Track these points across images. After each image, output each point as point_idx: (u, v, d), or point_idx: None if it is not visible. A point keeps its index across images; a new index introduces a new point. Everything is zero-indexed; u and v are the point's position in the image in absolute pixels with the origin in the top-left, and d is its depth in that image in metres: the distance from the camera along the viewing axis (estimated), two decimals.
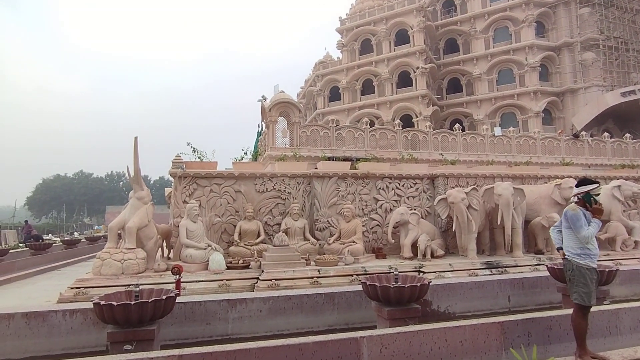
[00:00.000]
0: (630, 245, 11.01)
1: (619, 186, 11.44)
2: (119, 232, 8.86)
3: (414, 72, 29.56)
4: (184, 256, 8.80)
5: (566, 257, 4.26)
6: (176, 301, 4.65)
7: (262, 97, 16.31)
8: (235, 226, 10.00)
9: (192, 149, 11.07)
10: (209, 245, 9.10)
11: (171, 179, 10.19)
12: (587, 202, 4.02)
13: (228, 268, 8.69)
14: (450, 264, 9.20)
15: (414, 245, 9.79)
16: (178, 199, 9.91)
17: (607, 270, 6.00)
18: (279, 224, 10.21)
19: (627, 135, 19.42)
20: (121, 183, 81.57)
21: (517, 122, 29.01)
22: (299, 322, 5.67)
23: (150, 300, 4.05)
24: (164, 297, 4.19)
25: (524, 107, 28.79)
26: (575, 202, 4.18)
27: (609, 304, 5.80)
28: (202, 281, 8.05)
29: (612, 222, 11.10)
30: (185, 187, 9.95)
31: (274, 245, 8.90)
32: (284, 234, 9.31)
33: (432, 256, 9.73)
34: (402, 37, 31.21)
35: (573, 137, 18.98)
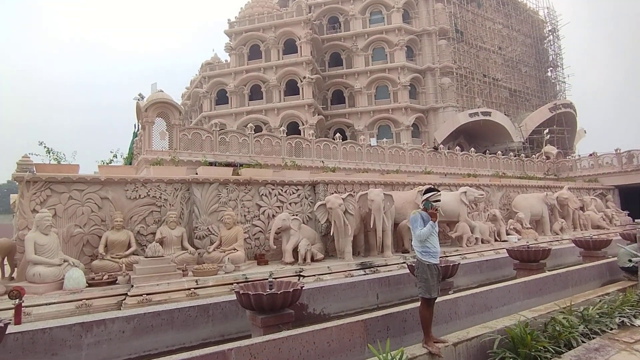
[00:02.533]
0: (472, 242, 13.14)
1: (465, 192, 13.57)
2: None
3: (301, 81, 30.59)
4: (30, 275, 7.47)
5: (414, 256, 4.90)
6: (9, 331, 3.91)
7: (139, 95, 14.93)
8: (100, 237, 8.91)
9: (46, 149, 9.56)
10: (65, 261, 7.92)
11: None
12: (426, 207, 4.66)
13: (90, 285, 7.68)
14: (328, 267, 9.70)
15: (296, 250, 10.06)
16: (25, 207, 8.40)
17: (451, 264, 7.06)
18: (154, 234, 9.45)
19: (472, 149, 23.26)
20: None
21: (392, 134, 32.25)
22: (169, 339, 5.30)
23: None
24: None
25: (397, 120, 32.19)
26: (422, 209, 4.83)
27: (452, 293, 6.83)
28: (54, 303, 6.94)
29: (459, 223, 13.11)
30: (35, 193, 8.50)
31: (146, 257, 8.18)
32: (158, 243, 8.65)
33: (313, 260, 10.13)
34: (290, 47, 32.02)
35: (434, 149, 21.94)
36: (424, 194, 4.83)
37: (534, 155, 27.68)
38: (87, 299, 7.18)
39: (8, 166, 8.69)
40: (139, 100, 13.65)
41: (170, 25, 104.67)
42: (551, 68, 42.04)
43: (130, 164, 14.66)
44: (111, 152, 11.50)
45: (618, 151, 24.40)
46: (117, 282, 7.95)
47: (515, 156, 25.45)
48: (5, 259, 8.66)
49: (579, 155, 29.49)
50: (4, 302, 6.51)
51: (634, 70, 78.11)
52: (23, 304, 5.76)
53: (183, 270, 8.48)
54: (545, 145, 30.27)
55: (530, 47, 41.16)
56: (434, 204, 4.63)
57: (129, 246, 9.04)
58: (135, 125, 16.33)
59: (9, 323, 3.95)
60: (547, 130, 31.72)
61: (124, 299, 7.36)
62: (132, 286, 7.59)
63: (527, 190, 18.51)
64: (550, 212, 17.11)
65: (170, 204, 9.84)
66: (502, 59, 37.58)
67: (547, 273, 8.10)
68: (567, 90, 41.07)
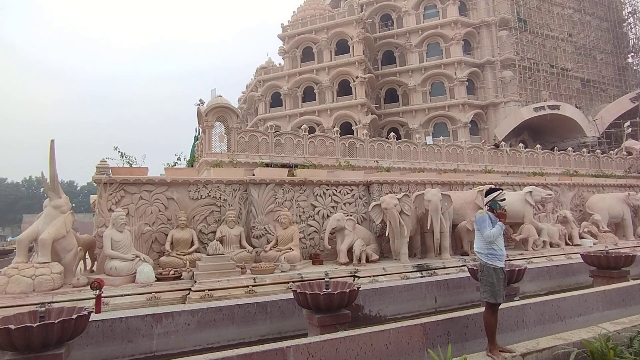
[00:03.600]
0: (539, 245, 12.22)
1: (530, 192, 12.66)
2: (31, 245, 8.04)
3: (354, 81, 30.45)
4: (108, 269, 8.19)
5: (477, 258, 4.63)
6: (92, 319, 4.30)
7: (199, 100, 15.79)
8: (167, 235, 9.53)
9: (120, 153, 10.42)
10: (137, 256, 8.58)
11: None
12: (494, 207, 4.39)
13: (158, 280, 8.25)
14: (384, 268, 9.54)
15: (350, 251, 10.02)
16: (103, 207, 9.23)
17: (516, 269, 6.60)
18: (214, 232, 9.93)
19: (538, 146, 21.63)
20: (41, 189, 73.96)
21: (448, 132, 31.01)
22: (229, 334, 5.51)
23: (57, 321, 3.68)
24: (74, 317, 3.83)
25: (454, 117, 30.88)
26: (487, 210, 4.56)
27: (519, 299, 6.38)
28: (128, 295, 7.54)
29: (524, 225, 12.26)
30: (111, 194, 9.30)
31: (207, 254, 8.61)
32: (218, 242, 9.05)
33: (367, 261, 10.02)
34: (342, 47, 32.03)
35: (494, 146, 20.72)
36: (487, 194, 4.57)
37: (612, 151, 25.06)
38: (156, 292, 7.72)
39: (93, 168, 9.56)
40: (199, 105, 14.42)
41: (218, 24, 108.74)
42: (632, 54, 37.83)
43: (192, 166, 15.51)
44: (175, 155, 12.27)
45: None
46: (181, 277, 8.45)
47: (589, 152, 23.23)
48: (87, 254, 9.57)
49: None
50: (86, 292, 7.20)
51: None
52: (102, 295, 6.31)
53: (242, 268, 8.80)
54: (626, 140, 27.24)
55: (607, 32, 37.34)
56: (500, 203, 4.38)
57: (192, 244, 9.58)
58: (196, 129, 17.27)
59: (92, 312, 4.34)
60: (627, 123, 28.62)
61: (188, 294, 7.80)
62: (195, 282, 8.02)
63: (603, 190, 16.83)
64: (634, 214, 15.39)
65: (229, 204, 10.26)
66: (573, 47, 34.51)
67: (632, 282, 7.27)
68: None
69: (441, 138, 20.08)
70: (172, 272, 8.49)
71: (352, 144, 15.79)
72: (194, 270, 8.53)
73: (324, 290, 4.99)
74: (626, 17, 38.34)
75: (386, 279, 9.08)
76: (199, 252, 9.49)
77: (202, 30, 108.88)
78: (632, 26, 37.65)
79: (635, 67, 37.77)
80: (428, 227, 10.51)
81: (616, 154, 24.19)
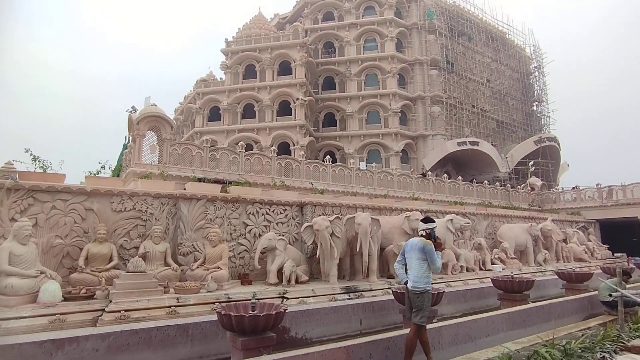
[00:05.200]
0: (457, 269, 13.17)
1: (451, 220, 13.68)
2: None
3: (294, 102, 30.95)
4: (2, 287, 7.18)
5: (414, 286, 4.94)
6: None
7: (132, 107, 14.94)
8: (81, 249, 8.67)
9: (32, 157, 9.41)
10: (42, 273, 7.66)
11: None
12: (433, 237, 4.83)
13: (66, 299, 7.42)
14: (312, 290, 9.57)
15: (280, 271, 9.94)
16: (4, 215, 8.17)
17: (436, 292, 7.05)
18: (137, 248, 9.25)
19: (460, 177, 23.63)
20: None
21: (381, 159, 32.61)
22: (144, 359, 5.13)
23: None
24: None
25: (387, 145, 32.63)
26: (423, 236, 4.94)
27: (436, 322, 6.80)
28: (25, 317, 6.66)
29: (445, 250, 13.13)
30: (15, 201, 8.29)
31: (127, 272, 7.98)
32: (140, 258, 8.45)
33: (297, 282, 10.00)
34: (285, 68, 32.55)
35: (422, 175, 22.21)
36: (424, 222, 5.00)
37: (519, 186, 28.20)
38: (61, 314, 6.93)
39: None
40: (131, 112, 13.63)
41: (159, 35, 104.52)
42: (536, 102, 43.43)
43: (118, 176, 14.49)
44: (99, 163, 11.39)
45: (599, 186, 25.05)
46: (95, 296, 7.70)
47: (501, 186, 25.89)
48: None
49: (562, 188, 30.19)
50: None
51: (614, 110, 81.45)
52: None
53: (165, 287, 8.28)
54: (530, 177, 30.91)
55: (517, 82, 42.60)
56: (435, 234, 4.97)
57: (111, 260, 8.82)
58: (125, 137, 16.24)
59: None
60: (532, 162, 32.49)
61: (101, 315, 7.13)
62: (111, 301, 7.37)
63: (512, 220, 18.76)
64: (534, 243, 17.33)
65: (156, 219, 9.69)
66: (491, 91, 38.75)
67: (531, 305, 8.14)
68: (552, 124, 42.40)
69: (374, 164, 21.03)
70: (83, 291, 7.70)
71: (289, 164, 15.91)
72: (110, 289, 7.83)
73: (250, 312, 4.89)
74: (532, 70, 44.10)
75: (315, 300, 9.11)
76: (118, 268, 8.76)
77: (151, 35, 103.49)
78: (537, 79, 43.38)
79: (538, 115, 43.27)
80: (357, 250, 10.81)
81: (522, 189, 27.25)
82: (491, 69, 39.79)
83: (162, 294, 7.96)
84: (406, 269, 5.30)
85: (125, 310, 7.12)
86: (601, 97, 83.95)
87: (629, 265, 14.70)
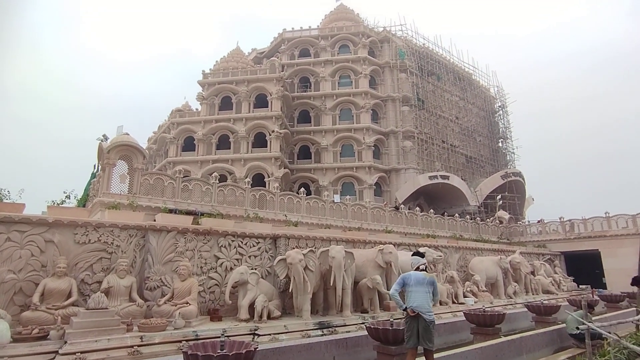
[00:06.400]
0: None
1: (424, 253, 13.82)
2: None
3: (270, 134, 31.21)
4: None
5: (422, 313, 5.60)
6: None
7: (103, 136, 14.65)
8: (37, 285, 8.13)
9: None
10: None
11: None
12: (426, 270, 5.63)
13: (16, 340, 6.86)
14: (285, 326, 9.29)
15: (252, 306, 9.63)
16: None
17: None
18: (100, 282, 8.77)
19: (432, 210, 24.12)
20: None
21: (355, 192, 32.96)
22: None
23: None
24: None
25: (361, 178, 33.11)
26: (424, 270, 5.85)
27: None
28: None
29: None
30: None
31: (87, 309, 7.51)
32: (103, 294, 8.00)
33: (269, 317, 9.69)
34: (261, 101, 33.03)
35: (395, 208, 22.52)
36: (420, 256, 6.11)
37: (488, 219, 29.04)
38: (9, 357, 6.38)
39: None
40: (102, 141, 13.33)
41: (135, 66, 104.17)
42: (502, 139, 45.66)
43: (84, 206, 13.92)
44: (64, 192, 10.95)
45: (562, 219, 26.17)
46: (48, 337, 7.17)
47: (471, 219, 26.57)
48: None
49: (529, 221, 31.32)
50: None
51: (574, 150, 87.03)
52: None
53: (128, 325, 7.81)
54: (499, 210, 31.95)
55: (484, 119, 44.83)
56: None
57: (70, 296, 8.29)
58: (94, 165, 15.77)
59: None
60: (499, 196, 33.70)
61: (54, 358, 6.61)
62: (66, 342, 6.87)
63: (482, 253, 19.14)
64: (504, 275, 17.67)
65: (122, 251, 9.28)
66: (459, 128, 40.52)
67: (503, 339, 8.19)
68: (517, 160, 44.41)
69: (348, 197, 21.23)
70: (35, 331, 7.15)
71: (263, 195, 15.81)
72: (66, 328, 7.31)
73: (219, 351, 4.67)
74: (497, 109, 46.66)
75: (287, 337, 8.83)
76: (78, 305, 8.23)
77: (123, 67, 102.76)
78: (501, 117, 45.83)
79: (504, 151, 45.41)
80: (331, 284, 10.67)
81: (491, 222, 28.05)
82: (459, 106, 41.80)
83: (125, 333, 7.51)
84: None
85: (82, 352, 6.65)
86: (566, 135, 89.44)
87: (593, 297, 15.18)
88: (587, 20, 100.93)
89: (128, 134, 13.25)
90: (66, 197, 11.39)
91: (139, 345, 7.25)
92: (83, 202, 14.90)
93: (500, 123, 45.65)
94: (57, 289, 8.14)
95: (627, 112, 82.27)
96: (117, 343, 7.12)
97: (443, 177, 32.99)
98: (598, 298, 14.86)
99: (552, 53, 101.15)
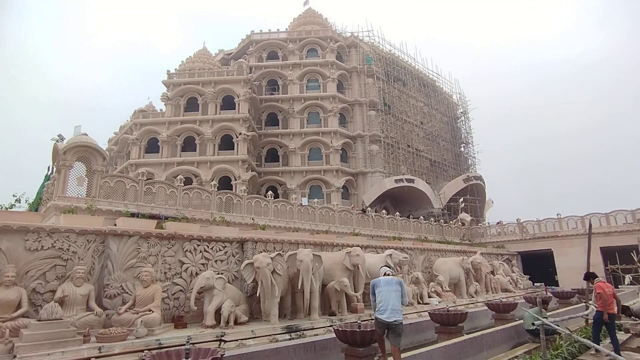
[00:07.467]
0: None
1: (390, 255, 14.11)
2: None
3: (237, 137, 30.76)
4: None
5: (396, 319, 6.08)
6: None
7: (58, 136, 13.88)
8: None
9: None
10: None
11: None
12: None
13: None
14: (252, 331, 9.17)
15: (218, 312, 9.43)
16: None
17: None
18: (54, 291, 8.29)
19: (397, 213, 24.64)
20: None
21: (323, 195, 33.09)
22: None
23: None
24: None
25: (329, 182, 33.31)
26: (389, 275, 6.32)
27: (377, 359, 6.83)
28: None
29: None
30: None
31: (39, 320, 7.08)
32: (57, 304, 7.57)
33: (236, 323, 9.53)
34: (228, 102, 32.50)
35: (362, 211, 22.81)
36: (388, 267, 6.70)
37: (451, 221, 30.04)
38: None
39: None
40: (57, 141, 12.62)
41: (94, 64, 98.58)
42: (464, 144, 47.47)
43: (37, 210, 13.11)
44: (14, 195, 10.28)
45: (518, 221, 27.54)
46: None
47: (435, 221, 27.38)
48: None
49: (488, 223, 32.72)
50: None
51: (530, 155, 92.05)
52: None
53: (85, 336, 7.42)
54: (461, 213, 33.13)
55: (447, 125, 46.44)
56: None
57: (19, 307, 7.77)
58: (48, 167, 14.91)
59: None
60: (462, 199, 34.94)
61: None
62: (15, 357, 6.43)
63: (446, 254, 19.76)
64: (466, 275, 18.33)
65: (79, 258, 8.82)
66: (424, 133, 41.73)
67: (465, 337, 8.47)
68: (478, 164, 46.35)
69: (316, 200, 21.27)
70: None
71: (230, 199, 15.54)
72: (15, 341, 6.85)
73: (183, 359, 4.54)
74: (459, 115, 48.50)
75: (255, 342, 8.70)
76: (28, 317, 7.73)
77: (82, 61, 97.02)
78: (463, 123, 47.67)
79: (466, 155, 47.23)
80: (299, 287, 10.65)
81: (454, 224, 29.04)
82: (424, 112, 43.07)
83: (81, 344, 7.14)
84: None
85: None
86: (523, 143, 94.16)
87: (547, 294, 16.05)
88: (554, 33, 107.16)
89: (87, 134, 12.63)
90: (16, 200, 10.72)
91: (96, 357, 6.92)
92: (35, 207, 14.02)
93: (462, 128, 47.48)
94: (4, 299, 7.61)
95: (583, 122, 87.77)
96: (72, 355, 6.75)
97: (408, 180, 33.82)
98: (551, 295, 15.73)
99: (513, 64, 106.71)
